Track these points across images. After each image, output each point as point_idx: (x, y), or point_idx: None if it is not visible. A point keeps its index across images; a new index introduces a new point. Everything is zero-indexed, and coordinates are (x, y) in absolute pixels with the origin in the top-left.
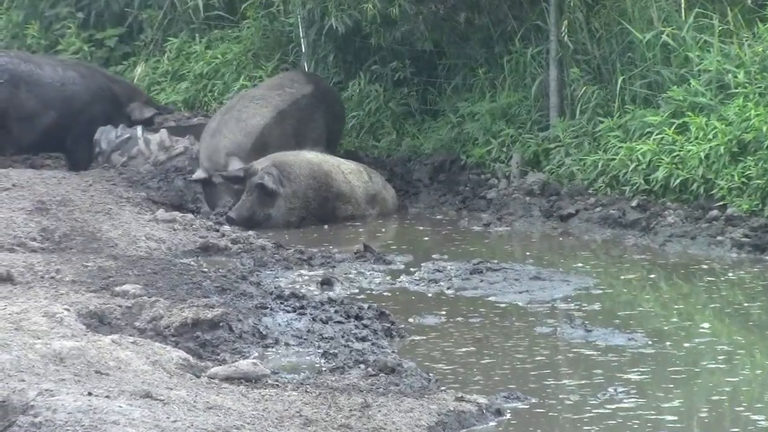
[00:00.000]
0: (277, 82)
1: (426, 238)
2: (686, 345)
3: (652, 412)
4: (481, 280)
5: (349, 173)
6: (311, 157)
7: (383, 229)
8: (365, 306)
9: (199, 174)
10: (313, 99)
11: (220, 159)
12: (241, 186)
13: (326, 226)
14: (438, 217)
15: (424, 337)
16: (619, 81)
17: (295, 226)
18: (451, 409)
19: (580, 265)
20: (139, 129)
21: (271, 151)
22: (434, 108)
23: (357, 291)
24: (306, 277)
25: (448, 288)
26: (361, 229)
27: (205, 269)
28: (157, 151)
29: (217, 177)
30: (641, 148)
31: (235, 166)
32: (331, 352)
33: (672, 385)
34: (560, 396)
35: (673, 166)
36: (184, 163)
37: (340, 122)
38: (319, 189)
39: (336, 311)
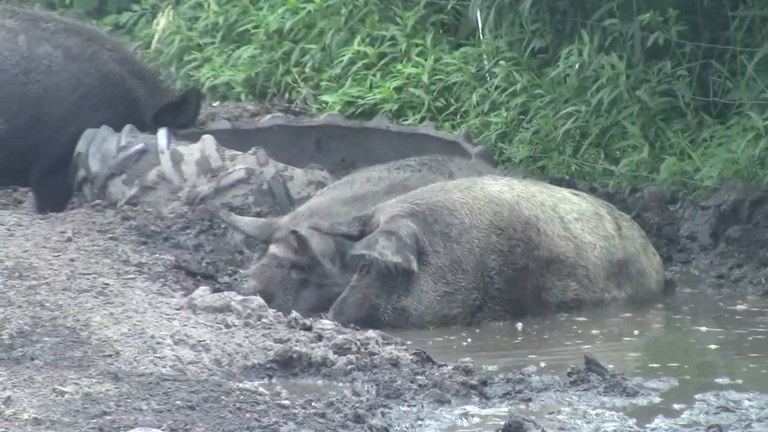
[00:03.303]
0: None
1: (704, 346)
2: None
3: None
4: None
5: (575, 220)
6: (499, 190)
7: (630, 328)
8: None
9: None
10: None
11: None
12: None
13: (519, 324)
14: (728, 305)
15: None
16: None
17: (458, 323)
18: None
19: None
20: (161, 134)
21: None
22: (723, 101)
23: None
24: (476, 420)
25: None
26: (582, 330)
27: (286, 401)
28: (195, 176)
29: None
30: None
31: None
32: None
33: None
34: None
35: None
36: (245, 200)
37: None
38: (512, 251)
39: None
